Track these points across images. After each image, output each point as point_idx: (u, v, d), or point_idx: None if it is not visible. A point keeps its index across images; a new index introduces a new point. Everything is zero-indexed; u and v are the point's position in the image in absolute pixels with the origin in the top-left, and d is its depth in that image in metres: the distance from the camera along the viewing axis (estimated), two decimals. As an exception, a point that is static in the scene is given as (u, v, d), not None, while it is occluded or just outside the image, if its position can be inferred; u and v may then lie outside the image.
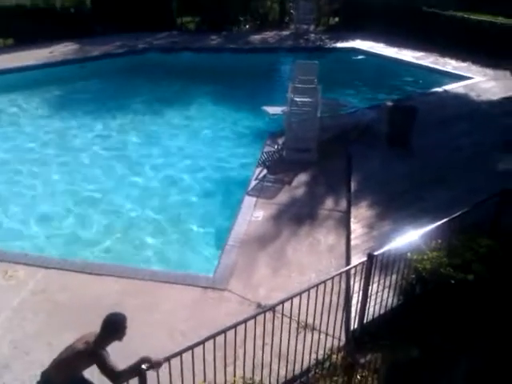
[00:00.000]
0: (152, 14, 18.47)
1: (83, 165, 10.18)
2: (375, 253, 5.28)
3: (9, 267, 6.51)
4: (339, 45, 18.20)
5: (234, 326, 4.30)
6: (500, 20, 16.65)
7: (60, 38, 16.97)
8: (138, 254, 7.46)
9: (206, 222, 8.30)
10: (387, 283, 5.66)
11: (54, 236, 7.87)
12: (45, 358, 4.51)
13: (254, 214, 7.90)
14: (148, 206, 8.77)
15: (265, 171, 9.30)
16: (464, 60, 16.32)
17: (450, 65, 16.09)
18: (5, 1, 16.78)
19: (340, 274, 5.18)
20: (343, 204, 8.22)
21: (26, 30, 16.46)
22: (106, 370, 3.94)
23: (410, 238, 5.84)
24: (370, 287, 5.39)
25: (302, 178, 9.14)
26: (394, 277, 5.71)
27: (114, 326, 4.08)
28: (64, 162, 10.29)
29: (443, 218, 5.94)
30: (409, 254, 5.81)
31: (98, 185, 9.41)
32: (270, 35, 19.52)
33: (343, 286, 5.63)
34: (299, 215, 7.91)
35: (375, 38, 18.16)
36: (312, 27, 20.10)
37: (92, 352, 3.98)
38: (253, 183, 8.87)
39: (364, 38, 18.36)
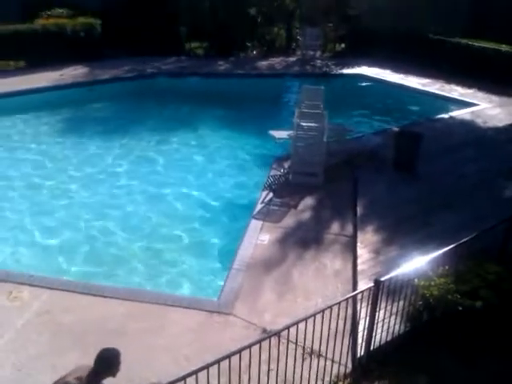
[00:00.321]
0: (161, 39, 18.76)
1: (88, 187, 10.22)
2: (382, 278, 5.24)
3: (13, 288, 6.49)
4: (345, 71, 18.37)
5: (239, 351, 4.25)
6: (504, 47, 16.82)
7: (70, 61, 17.23)
8: (144, 277, 7.43)
9: (211, 245, 8.28)
10: (394, 309, 5.60)
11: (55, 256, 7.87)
12: (48, 380, 4.46)
13: (259, 237, 7.87)
14: (153, 228, 8.78)
15: (271, 195, 9.31)
16: (470, 87, 16.42)
17: (455, 91, 16.19)
18: (17, 24, 17.09)
19: (346, 299, 5.12)
20: (349, 228, 8.19)
21: (38, 52, 16.74)
22: None
23: (417, 263, 5.80)
24: (377, 313, 5.33)
25: (308, 201, 9.14)
26: (401, 303, 5.65)
27: (107, 362, 3.97)
28: (68, 183, 10.34)
29: (450, 244, 5.90)
30: (416, 280, 5.76)
31: (104, 207, 9.42)
32: (276, 61, 19.77)
33: (350, 311, 5.57)
34: (305, 239, 7.88)
35: (381, 64, 18.33)
36: (318, 53, 20.35)
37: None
38: (259, 207, 8.87)
39: (370, 64, 18.53)
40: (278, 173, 10.16)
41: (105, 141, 12.47)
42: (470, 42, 17.59)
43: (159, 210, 9.39)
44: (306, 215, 8.73)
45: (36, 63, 16.79)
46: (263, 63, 19.41)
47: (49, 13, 18.44)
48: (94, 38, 18.22)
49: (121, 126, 13.48)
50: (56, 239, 8.39)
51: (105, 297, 6.42)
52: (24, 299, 6.31)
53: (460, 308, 5.55)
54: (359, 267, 7.00)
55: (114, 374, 4.03)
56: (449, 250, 5.91)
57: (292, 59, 20.23)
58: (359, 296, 5.60)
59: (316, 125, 10.10)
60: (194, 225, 8.93)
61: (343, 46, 21.51)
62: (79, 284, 6.72)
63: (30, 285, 6.56)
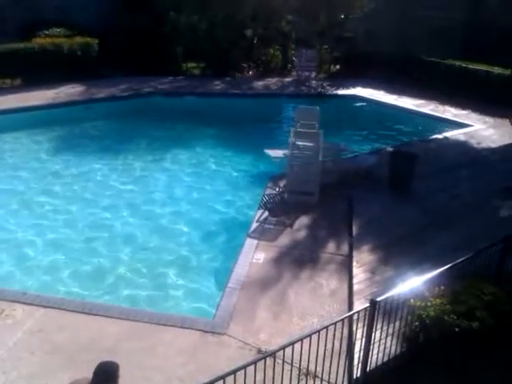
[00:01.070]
0: (158, 59, 18.93)
1: (82, 205, 10.18)
2: (378, 299, 5.22)
3: (6, 306, 6.40)
4: (340, 92, 18.56)
5: (234, 372, 4.20)
6: (496, 69, 17.08)
7: (67, 79, 17.28)
8: (136, 295, 7.36)
9: (206, 263, 8.24)
10: (390, 330, 5.57)
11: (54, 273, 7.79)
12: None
13: (255, 256, 7.84)
14: (146, 246, 8.73)
15: (266, 213, 9.30)
16: (464, 108, 16.62)
17: (449, 112, 16.37)
18: (14, 43, 17.18)
19: (342, 319, 5.09)
20: (345, 248, 8.17)
21: (34, 71, 16.82)
22: None
23: (413, 284, 5.79)
24: (373, 334, 5.29)
25: (304, 220, 9.14)
26: (397, 324, 5.62)
27: (105, 376, 3.88)
28: (62, 202, 10.30)
29: (445, 264, 5.91)
30: (412, 301, 5.74)
31: (97, 227, 9.36)
32: (272, 81, 19.94)
33: (346, 332, 5.53)
34: (301, 258, 7.86)
35: (375, 85, 18.55)
36: (313, 74, 20.55)
37: None
38: (254, 225, 8.85)
39: (365, 85, 18.74)
40: (274, 191, 10.17)
41: (99, 158, 12.45)
42: (463, 64, 17.86)
43: (152, 228, 9.34)
44: (302, 234, 8.71)
45: (32, 81, 16.86)
46: (259, 83, 19.57)
47: (46, 32, 18.57)
48: (90, 57, 18.30)
49: (115, 145, 13.49)
50: (48, 256, 8.32)
51: (98, 315, 6.34)
52: (17, 317, 6.22)
53: (457, 329, 5.52)
54: (355, 287, 6.97)
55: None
56: (445, 270, 5.90)
57: (288, 80, 20.42)
58: (355, 316, 5.58)
59: (311, 144, 10.19)
60: (188, 243, 8.88)
61: (338, 67, 21.76)
62: (73, 302, 6.65)
63: (24, 303, 6.48)
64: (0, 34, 17.75)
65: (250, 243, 8.22)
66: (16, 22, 18.71)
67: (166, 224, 9.52)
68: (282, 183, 10.32)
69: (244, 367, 4.26)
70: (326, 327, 4.85)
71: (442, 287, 5.98)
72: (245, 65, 21.37)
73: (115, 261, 8.27)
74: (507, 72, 16.81)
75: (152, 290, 7.52)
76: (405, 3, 20.60)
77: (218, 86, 18.99)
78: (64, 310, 6.42)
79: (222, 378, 4.13)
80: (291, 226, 8.92)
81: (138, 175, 11.74)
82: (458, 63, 18.03)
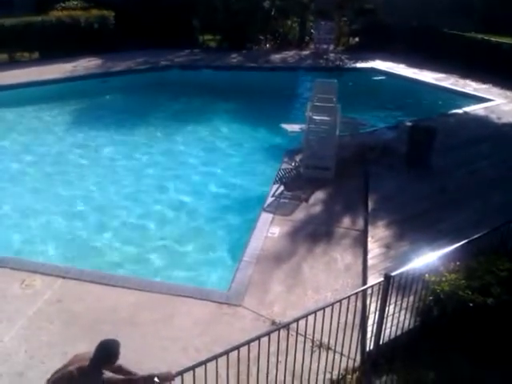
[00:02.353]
0: (174, 32, 18.79)
1: (101, 177, 10.30)
2: (392, 273, 5.21)
3: (26, 276, 6.56)
4: (359, 65, 18.26)
5: (248, 343, 4.26)
6: (519, 43, 16.62)
7: (84, 52, 17.33)
8: (154, 266, 7.49)
9: (221, 236, 8.31)
10: (404, 304, 5.58)
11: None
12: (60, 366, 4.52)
13: (270, 230, 7.87)
14: (163, 220, 8.83)
15: (282, 188, 9.29)
16: (484, 82, 16.23)
17: (470, 86, 16.01)
18: (31, 16, 17.18)
19: (356, 293, 5.10)
20: (360, 223, 8.15)
21: (51, 44, 16.88)
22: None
23: (428, 259, 5.77)
24: (387, 308, 5.31)
25: (319, 195, 9.11)
26: (411, 298, 5.62)
27: (106, 353, 4.02)
28: (80, 174, 10.44)
29: (462, 240, 5.86)
30: (426, 276, 5.73)
31: (116, 197, 9.49)
32: (289, 54, 19.68)
33: (359, 305, 5.56)
34: (316, 233, 7.87)
35: (395, 58, 18.19)
36: (332, 47, 20.23)
37: (87, 375, 3.91)
38: (269, 200, 8.86)
39: (384, 58, 18.40)
40: (290, 166, 10.15)
41: (116, 131, 12.53)
42: (485, 37, 17.37)
43: (169, 201, 9.45)
44: (317, 209, 8.70)
45: (50, 55, 16.93)
46: (276, 56, 19.33)
47: (63, 5, 18.53)
48: (107, 30, 18.25)
49: (133, 118, 13.53)
50: (68, 227, 8.49)
51: (116, 286, 6.47)
52: (36, 287, 6.38)
53: (471, 304, 5.52)
54: (369, 262, 6.98)
55: (111, 366, 4.06)
56: (460, 246, 5.86)
57: (305, 53, 20.14)
58: (369, 290, 5.60)
59: (328, 118, 10.05)
60: (203, 216, 8.96)
61: (357, 39, 21.34)
62: (91, 273, 6.78)
63: (43, 273, 6.63)
64: (18, 7, 17.79)
65: (266, 217, 8.24)
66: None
67: (182, 198, 9.59)
68: (298, 158, 10.28)
69: (258, 338, 4.32)
70: (340, 301, 4.88)
71: (458, 263, 5.96)
72: (262, 37, 21.11)
73: (130, 231, 8.41)
74: (531, 44, 16.33)
75: (167, 261, 7.64)
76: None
77: (234, 58, 18.82)
78: (83, 280, 6.56)
79: (237, 348, 4.20)
80: (307, 200, 8.91)
81: (154, 149, 11.78)
82: (480, 36, 17.54)
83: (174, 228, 8.58)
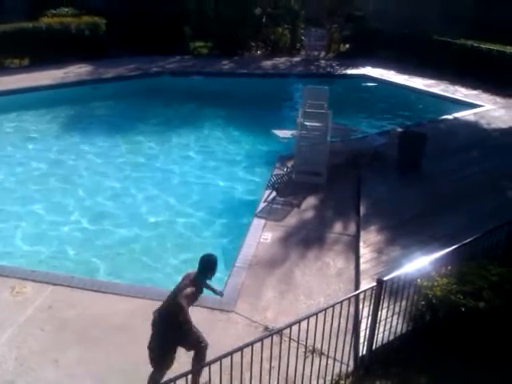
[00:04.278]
0: (165, 39, 18.78)
1: (90, 183, 10.25)
2: (384, 278, 5.23)
3: (17, 283, 6.51)
4: (350, 71, 18.36)
5: (241, 349, 4.25)
6: (509, 49, 16.77)
7: (75, 59, 17.29)
8: (146, 273, 7.44)
9: (213, 242, 8.27)
10: (397, 309, 5.59)
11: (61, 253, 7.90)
12: (50, 374, 4.47)
13: (262, 235, 7.87)
14: (155, 225, 8.80)
15: (274, 193, 9.30)
16: (474, 88, 16.38)
17: (460, 92, 16.15)
18: (22, 22, 17.10)
19: (349, 298, 5.12)
20: (352, 228, 8.18)
21: (42, 50, 16.82)
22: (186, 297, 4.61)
23: (420, 263, 5.80)
24: (380, 313, 5.32)
25: (311, 201, 9.13)
26: (403, 303, 5.64)
27: (206, 263, 4.80)
28: (69, 180, 10.38)
29: (453, 245, 5.90)
30: (418, 281, 5.75)
31: (106, 204, 9.45)
32: (281, 61, 19.76)
33: (352, 311, 5.56)
34: (308, 238, 7.88)
35: (386, 65, 18.31)
36: (323, 54, 20.35)
37: (194, 281, 4.75)
38: (262, 205, 8.87)
39: (374, 65, 18.51)
40: (282, 172, 10.16)
41: (106, 138, 12.48)
42: (475, 44, 17.53)
43: (160, 206, 9.42)
44: (309, 214, 8.72)
45: (40, 61, 16.87)
46: (267, 63, 19.40)
47: (54, 12, 18.47)
48: (98, 37, 18.21)
49: (123, 124, 13.48)
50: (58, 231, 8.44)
51: (107, 293, 6.43)
52: (27, 294, 6.32)
53: (463, 309, 5.53)
54: (362, 267, 6.99)
55: (212, 274, 4.87)
56: (452, 250, 5.90)
57: (296, 59, 20.22)
58: (361, 295, 5.60)
59: (320, 124, 10.13)
60: (195, 221, 8.94)
61: (348, 46, 21.46)
62: (82, 279, 6.73)
63: (34, 280, 6.58)
64: (9, 13, 17.69)
65: (258, 223, 8.24)
66: (24, 1, 18.64)
67: (174, 202, 9.57)
68: (289, 164, 10.30)
69: (251, 344, 4.31)
70: (333, 306, 4.88)
71: (449, 267, 5.98)
72: (253, 44, 21.17)
73: (122, 236, 8.38)
74: (519, 51, 16.52)
75: (159, 266, 7.61)
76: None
77: (225, 65, 18.86)
78: (73, 287, 6.51)
79: (230, 354, 4.19)
80: (299, 206, 8.92)
81: (145, 154, 11.74)
82: (469, 42, 17.71)
83: (164, 231, 8.54)
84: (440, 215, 8.49)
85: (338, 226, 8.28)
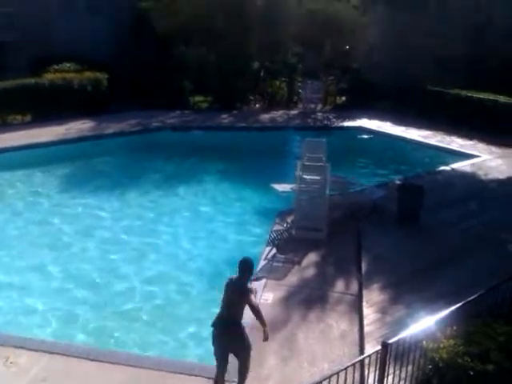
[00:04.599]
0: (166, 94, 19.16)
1: (91, 243, 10.16)
2: (390, 341, 5.10)
3: (11, 352, 6.30)
4: (346, 123, 18.64)
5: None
6: (502, 99, 17.09)
7: (76, 115, 17.53)
8: (141, 341, 7.21)
9: (212, 304, 8.10)
10: (403, 374, 5.42)
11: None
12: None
13: (263, 296, 7.73)
14: (153, 287, 8.65)
15: (274, 250, 9.22)
16: (470, 138, 16.59)
17: (456, 143, 16.34)
18: (25, 78, 17.43)
19: (353, 364, 4.97)
20: (354, 286, 8.06)
21: (45, 106, 17.10)
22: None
23: (425, 324, 5.67)
24: (386, 379, 5.16)
25: (312, 257, 9.05)
26: (409, 367, 5.47)
27: (245, 264, 5.66)
28: (69, 240, 10.26)
29: (457, 302, 5.79)
30: (424, 343, 5.60)
31: (100, 265, 9.30)
32: (278, 114, 20.09)
33: (357, 377, 5.39)
34: (310, 298, 7.74)
35: (382, 117, 18.58)
36: (320, 106, 20.73)
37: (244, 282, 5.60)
38: (262, 263, 8.76)
39: (371, 116, 18.79)
40: (281, 227, 10.12)
41: (106, 194, 12.49)
42: (468, 94, 17.89)
43: (155, 267, 9.28)
44: (311, 272, 8.62)
45: (43, 117, 17.11)
46: (265, 116, 19.73)
47: (56, 67, 18.88)
48: (100, 92, 18.56)
49: (125, 179, 13.57)
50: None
51: (104, 362, 6.23)
52: (21, 365, 6.12)
53: (471, 373, 5.37)
54: (366, 328, 6.84)
55: (250, 274, 5.74)
56: (456, 308, 5.78)
57: (294, 112, 20.57)
58: (366, 360, 5.44)
59: (319, 178, 10.15)
60: (193, 280, 8.81)
61: (344, 99, 21.89)
62: (79, 348, 6.54)
63: (29, 349, 6.38)
64: (12, 69, 18.08)
65: (258, 282, 8.09)
66: (27, 57, 19.06)
67: (169, 260, 9.47)
68: (289, 219, 10.27)
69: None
70: (337, 373, 4.74)
71: (455, 327, 5.84)
72: (251, 97, 21.60)
73: (115, 303, 8.18)
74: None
75: (155, 335, 7.37)
76: (409, 34, 20.82)
77: (225, 119, 19.17)
78: (69, 356, 6.31)
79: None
80: (299, 263, 8.82)
81: (144, 210, 11.70)
82: (463, 93, 18.08)
83: (161, 295, 8.38)
84: (441, 270, 8.42)
85: (340, 285, 8.16)
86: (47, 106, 17.21)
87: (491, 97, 17.34)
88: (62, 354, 6.32)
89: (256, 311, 5.50)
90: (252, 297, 5.52)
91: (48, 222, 11.07)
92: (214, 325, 5.64)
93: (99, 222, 11.13)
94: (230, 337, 5.59)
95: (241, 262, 5.68)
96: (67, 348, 6.48)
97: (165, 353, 6.91)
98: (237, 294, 5.51)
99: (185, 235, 10.57)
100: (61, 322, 7.59)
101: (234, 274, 5.73)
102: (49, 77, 17.97)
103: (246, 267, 5.65)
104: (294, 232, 9.83)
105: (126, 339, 7.21)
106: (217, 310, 5.74)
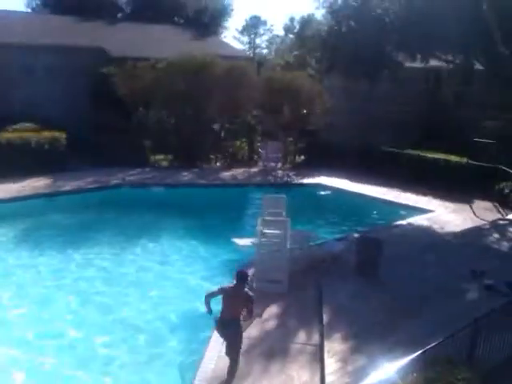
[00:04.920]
0: (126, 152, 19.18)
1: (45, 303, 9.74)
2: (351, 390, 5.02)
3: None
4: (305, 181, 19.06)
5: None
6: (453, 158, 17.94)
7: (33, 172, 17.25)
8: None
9: (171, 358, 7.84)
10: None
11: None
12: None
13: (222, 349, 7.51)
14: (112, 341, 8.33)
15: (235, 304, 9.04)
16: (424, 194, 17.19)
17: (411, 199, 16.85)
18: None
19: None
20: (316, 337, 7.97)
21: (1, 164, 16.77)
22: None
23: (386, 373, 5.63)
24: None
25: (274, 309, 8.94)
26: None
27: (242, 275, 6.99)
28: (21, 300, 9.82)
29: (417, 350, 5.80)
30: (386, 390, 5.54)
31: (62, 324, 8.93)
32: (239, 172, 20.38)
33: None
34: (271, 350, 7.59)
35: (340, 174, 19.10)
36: (279, 165, 21.18)
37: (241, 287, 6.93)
38: (222, 316, 8.56)
39: (329, 174, 19.31)
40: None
41: (62, 252, 12.10)
42: (421, 154, 18.70)
43: (115, 321, 8.98)
44: (272, 324, 8.49)
45: (-1, 175, 16.77)
46: (226, 174, 19.96)
47: (15, 127, 18.79)
48: (58, 151, 18.47)
49: (81, 236, 13.20)
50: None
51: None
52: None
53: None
54: (327, 378, 6.72)
55: (246, 282, 7.00)
56: (416, 356, 5.79)
57: (254, 170, 20.93)
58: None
59: (279, 232, 10.23)
60: (152, 336, 8.53)
61: (303, 157, 22.50)
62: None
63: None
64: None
65: (218, 336, 7.88)
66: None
67: (128, 317, 9.16)
68: (250, 272, 10.17)
69: None
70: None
71: (415, 374, 5.82)
72: (212, 156, 21.91)
73: (77, 355, 7.84)
74: (464, 160, 17.67)
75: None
76: (361, 100, 21.89)
77: (185, 176, 19.26)
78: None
79: None
80: (260, 315, 8.66)
81: (99, 269, 11.33)
82: (416, 153, 18.89)
83: (120, 349, 8.06)
84: (402, 320, 8.46)
85: (301, 335, 8.06)
86: (4, 165, 16.89)
87: (443, 157, 18.16)
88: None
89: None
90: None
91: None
92: (216, 323, 6.91)
93: (48, 277, 10.75)
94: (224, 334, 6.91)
95: (238, 272, 7.05)
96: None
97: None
98: (239, 299, 6.76)
99: (142, 290, 10.29)
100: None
101: (226, 284, 7.19)
102: (5, 136, 17.85)
103: (244, 276, 6.97)
104: (254, 285, 9.72)
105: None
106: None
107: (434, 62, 18.24)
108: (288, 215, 10.52)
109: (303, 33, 47.90)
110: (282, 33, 63.96)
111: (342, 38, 17.08)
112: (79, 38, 23.54)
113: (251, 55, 47.97)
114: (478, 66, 16.57)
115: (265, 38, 66.63)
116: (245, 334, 7.92)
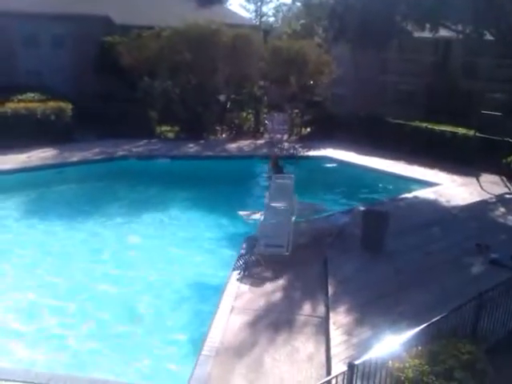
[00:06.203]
0: (132, 123, 19.11)
1: (55, 271, 9.88)
2: (356, 362, 5.11)
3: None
4: (312, 153, 18.94)
5: None
6: (460, 130, 17.76)
7: (40, 143, 17.21)
8: (109, 366, 7.05)
9: (180, 329, 7.98)
10: (370, 395, 5.41)
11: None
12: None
13: (230, 320, 7.64)
14: (120, 314, 8.47)
15: (241, 276, 9.17)
16: (431, 167, 17.06)
17: (418, 172, 16.75)
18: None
19: (320, 385, 4.93)
20: (321, 309, 8.06)
21: (7, 135, 16.77)
22: None
23: (390, 345, 5.71)
24: (352, 399, 5.13)
25: (279, 282, 9.02)
26: (376, 387, 5.47)
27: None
28: (32, 267, 9.99)
29: (422, 323, 5.87)
30: (390, 362, 5.62)
31: (69, 294, 9.07)
32: (245, 144, 20.29)
33: (324, 398, 5.34)
34: (277, 322, 7.69)
35: (346, 146, 19.00)
36: (286, 137, 21.04)
37: None
38: (229, 288, 8.68)
39: (335, 146, 19.19)
40: (248, 253, 10.08)
41: (70, 223, 12.22)
42: (429, 126, 18.51)
43: (122, 293, 9.11)
44: (277, 296, 8.58)
45: (5, 145, 16.75)
46: (232, 146, 19.88)
47: (20, 97, 18.69)
48: (64, 121, 18.38)
49: (88, 208, 13.32)
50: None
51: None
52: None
53: (436, 391, 5.41)
54: (332, 350, 6.82)
55: None
56: (421, 329, 5.85)
57: (260, 142, 20.81)
58: (333, 381, 5.41)
59: (285, 204, 10.30)
60: (160, 307, 8.67)
61: (309, 129, 22.33)
62: (38, 374, 6.27)
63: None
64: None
65: (225, 307, 8.02)
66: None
67: (136, 288, 9.29)
68: (256, 243, 10.25)
69: None
70: (304, 394, 4.69)
71: (420, 347, 5.90)
72: (218, 128, 21.79)
73: (87, 329, 7.98)
74: (471, 133, 17.50)
75: (123, 359, 7.22)
76: (369, 70, 21.59)
77: (191, 148, 19.21)
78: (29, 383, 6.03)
79: None
80: (267, 288, 8.76)
81: (107, 240, 11.46)
82: (424, 125, 18.70)
83: (128, 322, 8.21)
84: (407, 292, 8.52)
85: (306, 308, 8.15)
86: (10, 135, 16.87)
87: (450, 129, 17.97)
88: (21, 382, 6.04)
89: None
90: None
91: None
92: None
93: (59, 250, 10.86)
94: None
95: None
96: (26, 374, 6.20)
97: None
98: None
99: (148, 261, 10.40)
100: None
101: None
102: (11, 106, 17.76)
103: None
104: (256, 249, 9.76)
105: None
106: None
107: (443, 33, 17.87)
108: (295, 188, 10.50)
109: (310, 1, 46.85)
110: (289, 0, 62.76)
111: (349, 7, 16.74)
112: (83, 5, 23.17)
113: (257, 23, 47.06)
114: (488, 37, 16.24)
115: (271, 5, 65.50)
116: (251, 306, 8.10)
